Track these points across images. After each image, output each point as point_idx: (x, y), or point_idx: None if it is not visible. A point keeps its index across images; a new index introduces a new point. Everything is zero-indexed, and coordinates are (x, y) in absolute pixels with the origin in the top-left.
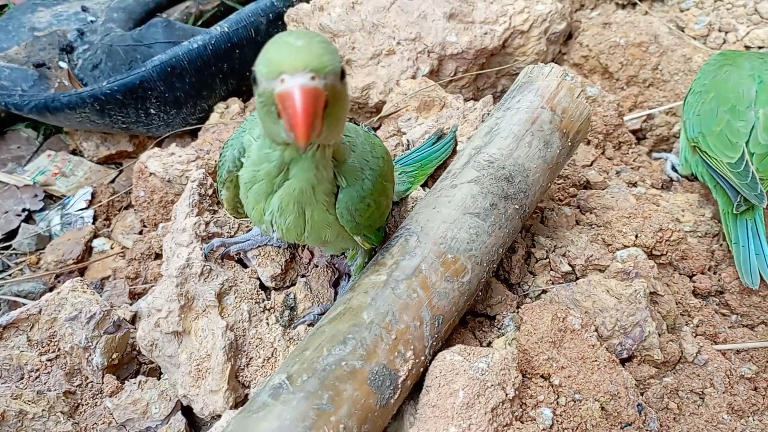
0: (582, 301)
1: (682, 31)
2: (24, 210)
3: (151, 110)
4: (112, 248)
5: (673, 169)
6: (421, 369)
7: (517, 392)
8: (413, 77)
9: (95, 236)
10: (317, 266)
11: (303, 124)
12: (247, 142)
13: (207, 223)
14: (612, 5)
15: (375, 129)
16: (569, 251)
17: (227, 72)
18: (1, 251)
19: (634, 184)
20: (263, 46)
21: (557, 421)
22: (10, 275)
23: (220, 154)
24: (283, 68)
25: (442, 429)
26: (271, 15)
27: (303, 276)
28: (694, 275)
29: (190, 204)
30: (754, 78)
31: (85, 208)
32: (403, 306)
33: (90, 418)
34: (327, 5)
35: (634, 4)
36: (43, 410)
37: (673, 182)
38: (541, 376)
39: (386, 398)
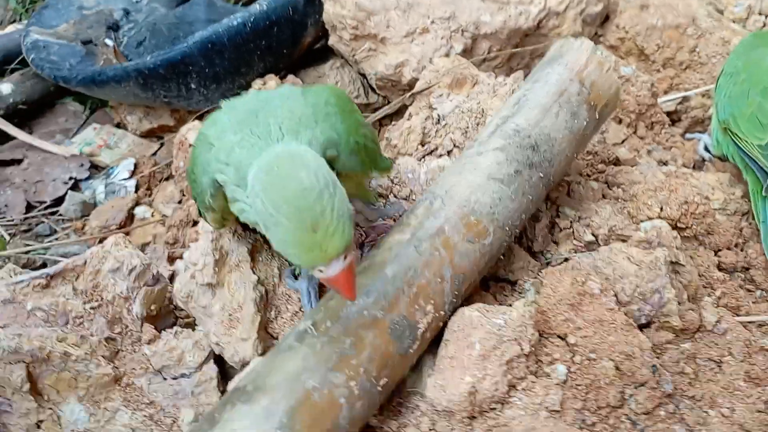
0: (603, 268)
1: (721, 14)
2: (71, 178)
3: (192, 85)
4: (152, 216)
5: (706, 149)
6: (441, 324)
7: (533, 348)
8: (446, 56)
9: (137, 204)
10: None
11: (351, 293)
12: (222, 181)
13: None
14: None
15: (407, 106)
16: (593, 221)
17: (265, 49)
18: (49, 216)
19: (665, 163)
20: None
21: (571, 377)
22: (56, 239)
23: (189, 179)
24: (320, 263)
25: (458, 378)
26: None
27: None
28: (720, 250)
29: None
30: None
31: (128, 178)
32: (425, 263)
33: (129, 363)
34: None
35: None
36: (86, 353)
37: (706, 162)
38: (558, 336)
39: (405, 347)
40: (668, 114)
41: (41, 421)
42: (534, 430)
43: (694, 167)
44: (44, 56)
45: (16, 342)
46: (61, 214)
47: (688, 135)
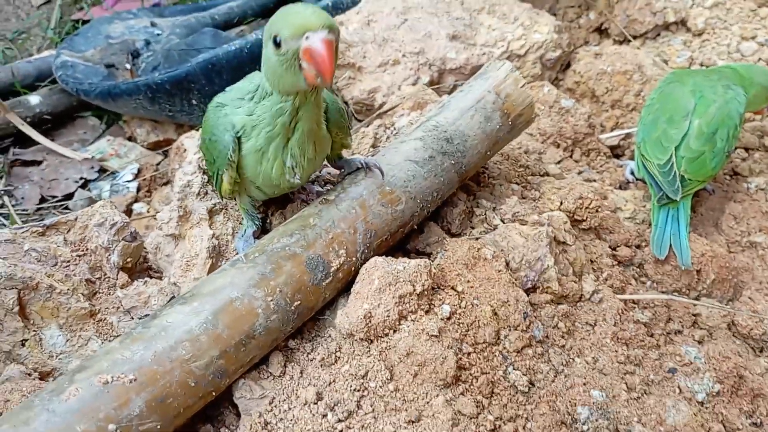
0: (500, 242)
1: (666, 63)
2: (81, 178)
3: (193, 101)
4: (148, 212)
5: (632, 173)
6: (353, 268)
7: (425, 292)
8: (413, 84)
9: (136, 201)
10: (292, 201)
11: (329, 68)
12: (239, 122)
13: None
14: (610, 41)
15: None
16: (501, 209)
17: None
18: (59, 209)
19: (593, 181)
20: None
21: (455, 315)
22: None
23: (206, 148)
24: (307, 28)
25: (359, 307)
26: None
27: (281, 210)
28: (618, 246)
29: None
30: (695, 93)
31: (131, 180)
32: (342, 217)
33: (104, 303)
34: (346, 21)
35: (630, 41)
36: (69, 289)
37: (630, 184)
38: (452, 288)
39: (318, 279)
40: (612, 148)
41: (25, 340)
42: (414, 347)
43: (619, 187)
44: (70, 73)
45: (11, 270)
46: (68, 208)
47: (619, 162)
